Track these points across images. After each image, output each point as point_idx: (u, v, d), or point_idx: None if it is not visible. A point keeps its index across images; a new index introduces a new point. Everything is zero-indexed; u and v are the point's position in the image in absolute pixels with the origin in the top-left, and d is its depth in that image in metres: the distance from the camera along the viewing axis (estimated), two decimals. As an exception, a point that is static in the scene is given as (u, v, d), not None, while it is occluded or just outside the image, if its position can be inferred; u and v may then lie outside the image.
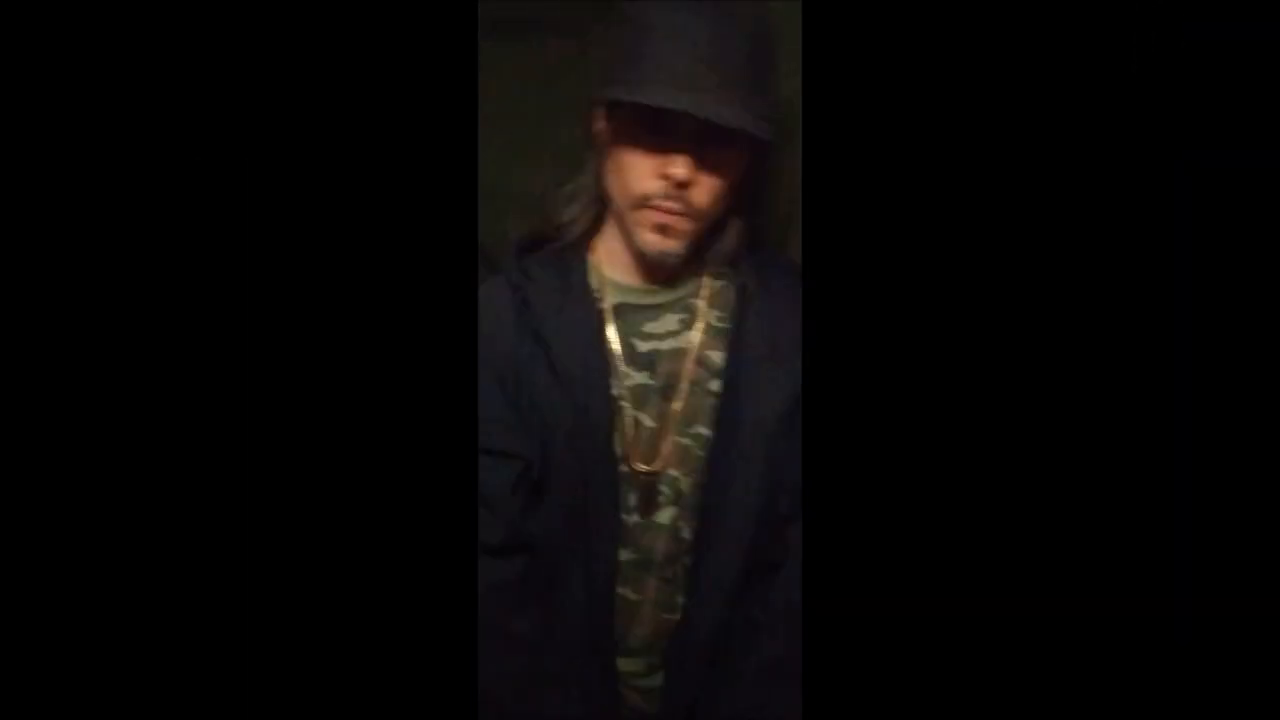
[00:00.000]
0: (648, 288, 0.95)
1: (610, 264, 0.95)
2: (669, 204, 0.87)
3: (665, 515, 0.92)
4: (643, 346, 0.93)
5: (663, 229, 0.88)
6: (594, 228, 0.96)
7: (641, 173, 0.87)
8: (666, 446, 0.92)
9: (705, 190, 0.87)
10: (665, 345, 0.93)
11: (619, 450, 0.91)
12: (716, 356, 0.93)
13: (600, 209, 0.94)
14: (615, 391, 0.92)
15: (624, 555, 0.92)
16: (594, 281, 0.95)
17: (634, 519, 0.92)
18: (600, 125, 0.91)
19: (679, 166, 0.84)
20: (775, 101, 0.89)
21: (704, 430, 0.92)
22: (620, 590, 0.92)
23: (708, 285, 0.95)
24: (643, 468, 0.91)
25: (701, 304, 0.95)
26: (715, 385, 0.93)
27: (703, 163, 0.86)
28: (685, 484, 0.92)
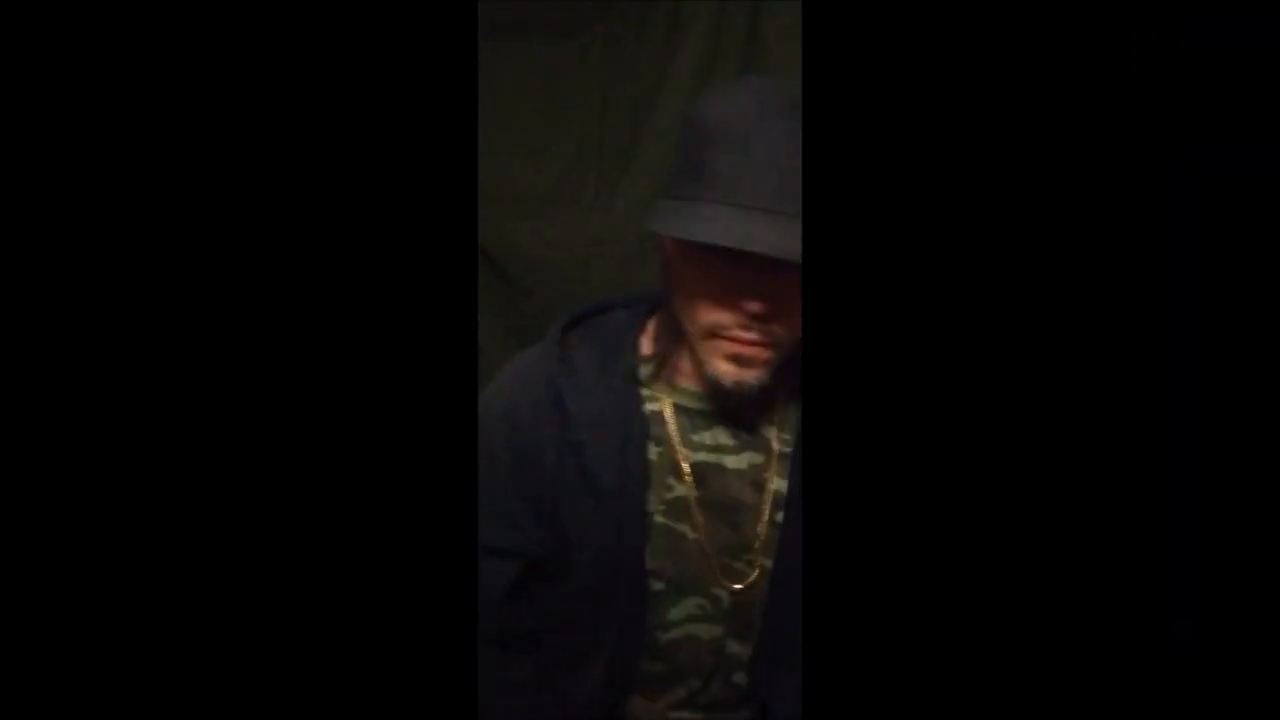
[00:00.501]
0: (710, 400, 0.86)
1: (673, 372, 0.87)
2: (746, 335, 0.78)
3: (708, 631, 0.87)
4: (692, 456, 0.85)
5: (739, 360, 0.80)
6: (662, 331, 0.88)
7: (711, 303, 0.78)
8: (724, 572, 0.86)
9: (787, 321, 0.78)
10: (714, 460, 0.86)
11: (652, 569, 0.85)
12: (776, 481, 0.86)
13: (669, 321, 0.85)
14: (651, 506, 0.85)
15: (652, 668, 0.87)
16: (645, 371, 0.87)
17: (672, 633, 0.86)
18: (667, 245, 0.82)
19: (754, 300, 0.76)
20: None
21: (766, 561, 0.86)
22: (635, 700, 0.88)
23: (779, 407, 0.87)
24: (722, 585, 0.85)
25: (760, 419, 0.87)
26: (780, 516, 0.86)
27: (781, 293, 0.76)
28: (740, 607, 0.86)
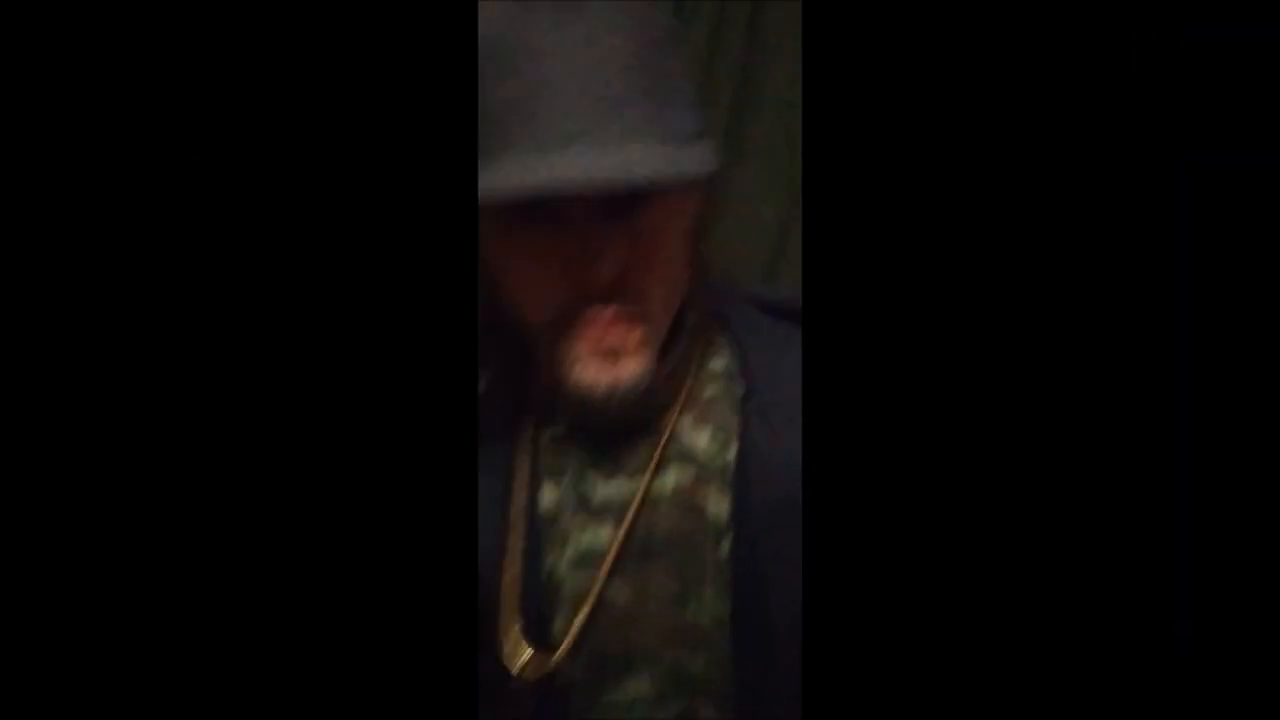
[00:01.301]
0: (588, 434, 0.66)
1: (557, 403, 0.67)
2: (605, 315, 0.60)
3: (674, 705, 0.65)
4: (600, 493, 0.66)
5: (607, 353, 0.61)
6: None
7: (550, 286, 0.60)
8: (673, 625, 0.64)
9: (655, 273, 0.61)
10: (631, 488, 0.65)
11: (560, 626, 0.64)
12: (718, 507, 0.65)
13: (523, 357, 0.65)
14: (549, 564, 0.65)
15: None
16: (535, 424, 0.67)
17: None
18: (484, 242, 0.62)
19: (602, 263, 0.58)
20: (698, 117, 0.64)
21: (723, 607, 0.65)
22: None
23: (697, 389, 0.66)
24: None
25: (686, 423, 0.65)
26: (725, 546, 0.65)
27: (636, 243, 0.59)
28: (702, 666, 0.65)
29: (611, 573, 0.63)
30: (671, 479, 0.65)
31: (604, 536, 0.64)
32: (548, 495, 0.65)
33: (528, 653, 0.62)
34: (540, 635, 0.64)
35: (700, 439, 0.65)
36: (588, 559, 0.64)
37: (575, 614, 0.62)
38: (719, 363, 0.68)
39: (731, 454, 0.65)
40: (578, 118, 0.57)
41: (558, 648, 0.63)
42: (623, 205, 0.59)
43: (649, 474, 0.64)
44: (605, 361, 0.60)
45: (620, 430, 0.65)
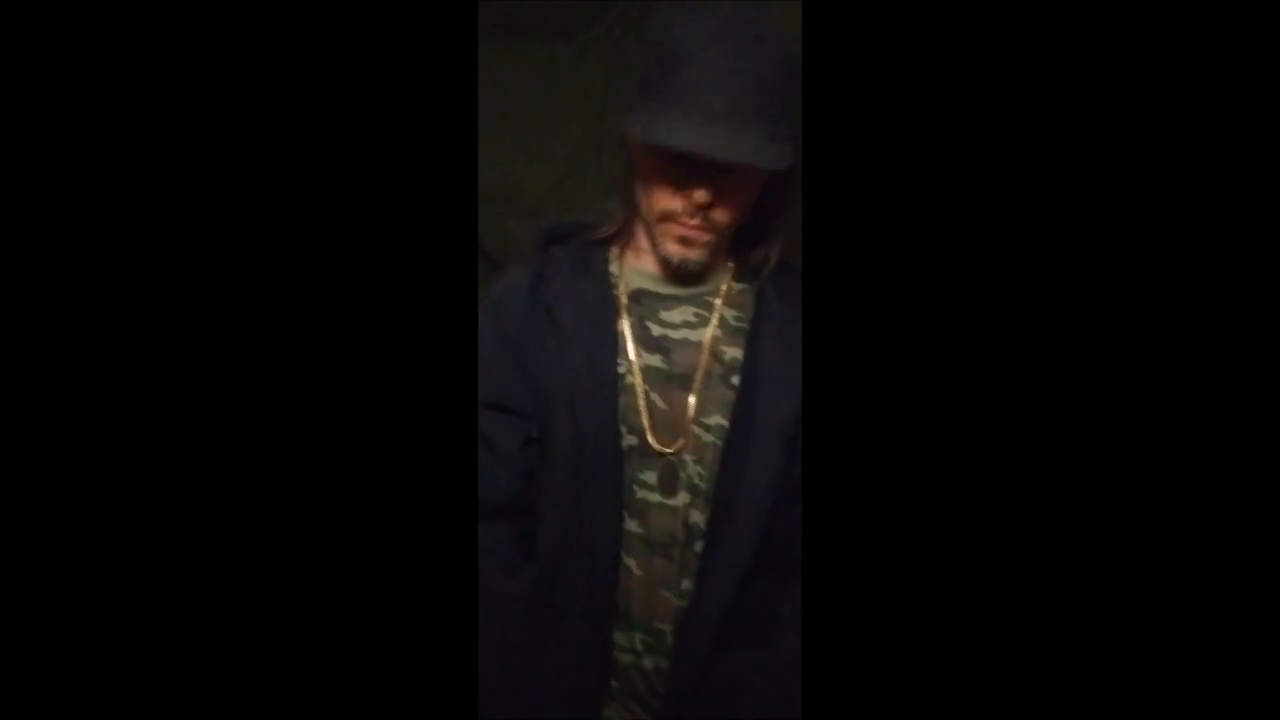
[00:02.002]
0: (667, 282, 1.00)
1: (635, 258, 1.00)
2: (691, 221, 0.92)
3: (679, 499, 0.95)
4: (656, 331, 0.97)
5: (685, 241, 0.94)
6: (624, 229, 1.01)
7: (666, 193, 0.92)
8: (684, 433, 0.95)
9: (726, 210, 0.93)
10: (678, 334, 0.98)
11: (625, 426, 0.95)
12: (732, 352, 0.97)
13: (631, 214, 0.99)
14: (623, 369, 0.95)
15: (632, 528, 0.95)
16: (614, 269, 1.00)
17: (650, 495, 0.95)
18: (631, 146, 0.96)
19: (699, 193, 0.90)
20: (796, 125, 0.91)
21: (722, 421, 0.95)
22: (626, 561, 0.95)
23: (727, 285, 1.00)
24: (662, 448, 0.95)
25: (718, 302, 0.99)
26: (735, 379, 0.96)
27: (723, 187, 0.91)
28: (699, 472, 0.95)
29: (656, 388, 0.97)
30: (702, 333, 0.98)
31: (656, 360, 0.97)
32: (623, 324, 0.98)
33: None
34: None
35: (730, 312, 0.99)
36: (647, 374, 0.97)
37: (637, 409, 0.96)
38: (751, 281, 1.02)
39: (746, 325, 0.99)
40: (719, 107, 0.86)
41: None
42: (723, 167, 0.89)
43: (688, 328, 0.99)
44: (682, 246, 0.95)
45: (675, 298, 1.00)
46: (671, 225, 0.93)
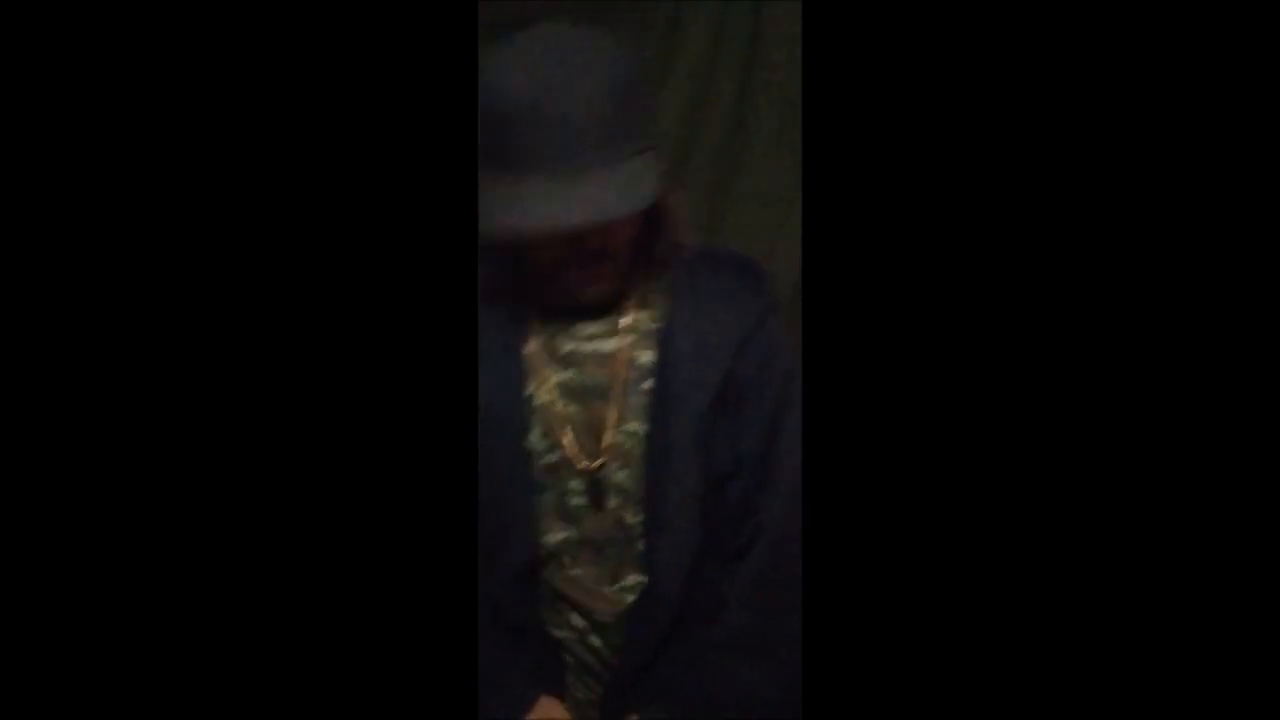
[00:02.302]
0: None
1: (543, 292, 0.97)
2: (590, 265, 0.89)
3: (611, 504, 0.96)
4: (567, 346, 0.96)
5: (590, 279, 0.91)
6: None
7: (552, 248, 0.87)
8: (606, 443, 0.95)
9: (621, 235, 0.89)
10: (589, 347, 0.96)
11: (545, 444, 0.95)
12: (647, 357, 0.96)
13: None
14: (531, 390, 0.95)
15: (570, 534, 0.96)
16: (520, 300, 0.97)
17: (581, 503, 0.96)
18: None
19: (591, 238, 0.86)
20: (652, 134, 0.88)
21: (639, 428, 0.95)
22: (564, 560, 0.96)
23: (637, 290, 0.98)
24: (586, 464, 0.95)
25: (629, 304, 0.97)
26: (648, 384, 0.96)
27: (606, 226, 0.86)
28: (625, 477, 0.95)
29: (573, 402, 0.96)
30: (613, 343, 0.96)
31: (568, 375, 0.96)
32: (530, 345, 0.96)
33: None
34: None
35: (642, 315, 0.97)
36: (560, 390, 0.96)
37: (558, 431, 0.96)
38: (660, 281, 0.99)
39: (658, 324, 0.97)
40: (577, 154, 0.82)
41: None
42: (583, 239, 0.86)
43: (599, 340, 0.97)
44: (592, 285, 0.91)
45: (586, 315, 0.97)
46: (571, 272, 0.89)
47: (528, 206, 0.82)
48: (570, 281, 0.91)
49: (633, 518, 0.95)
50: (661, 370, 0.95)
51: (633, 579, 0.96)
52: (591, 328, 0.97)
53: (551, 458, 0.95)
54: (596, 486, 0.95)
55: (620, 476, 0.95)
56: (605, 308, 0.96)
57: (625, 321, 0.97)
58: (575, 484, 0.95)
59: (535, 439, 0.95)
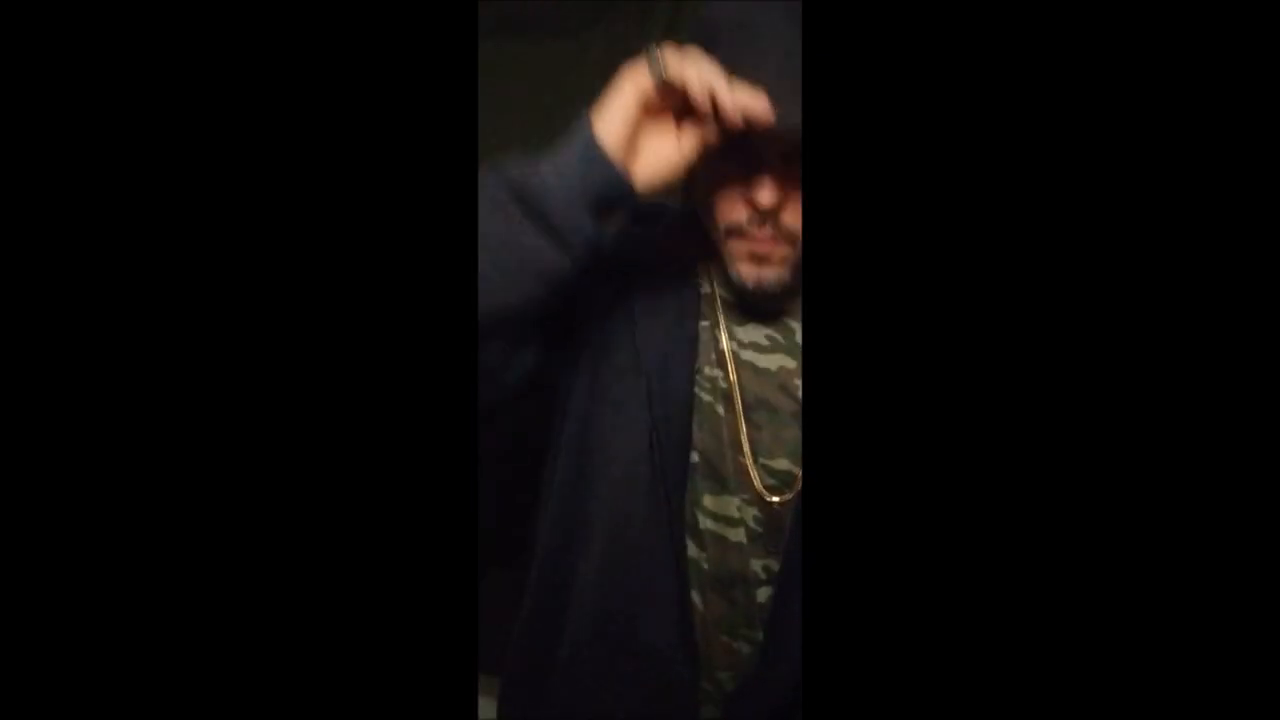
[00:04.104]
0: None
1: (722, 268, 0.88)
2: (760, 232, 0.81)
3: (737, 535, 0.86)
4: (725, 345, 0.88)
5: (756, 258, 0.82)
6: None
7: (727, 199, 0.81)
8: (740, 469, 0.86)
9: (797, 212, 0.80)
10: (746, 355, 0.88)
11: (699, 443, 0.85)
12: (799, 390, 0.85)
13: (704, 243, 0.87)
14: (696, 386, 0.86)
15: (694, 554, 0.87)
16: (701, 270, 0.89)
17: (710, 524, 0.86)
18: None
19: (765, 193, 0.78)
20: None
21: (791, 468, 0.86)
22: (691, 596, 0.86)
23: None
24: (767, 496, 0.84)
25: (798, 326, 0.87)
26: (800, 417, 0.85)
27: (791, 182, 0.79)
28: (754, 515, 0.86)
29: (723, 401, 0.86)
30: (775, 360, 0.87)
31: (721, 379, 0.87)
32: (701, 325, 0.88)
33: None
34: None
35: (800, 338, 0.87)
36: (708, 387, 0.87)
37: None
38: None
39: None
40: (776, 75, 0.75)
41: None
42: (786, 156, 0.79)
43: (753, 351, 0.88)
44: (754, 264, 0.83)
45: (756, 317, 0.88)
46: (739, 241, 0.82)
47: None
48: (735, 254, 0.82)
49: (758, 563, 0.85)
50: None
51: (753, 633, 0.85)
52: (749, 332, 0.87)
53: (696, 458, 0.85)
54: (773, 522, 0.84)
55: (748, 512, 0.85)
56: (773, 309, 0.86)
57: (792, 337, 0.86)
58: (715, 502, 0.85)
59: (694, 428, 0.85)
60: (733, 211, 0.81)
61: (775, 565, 0.85)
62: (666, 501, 0.85)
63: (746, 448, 0.86)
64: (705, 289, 0.89)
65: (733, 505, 0.86)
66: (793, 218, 0.80)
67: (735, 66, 0.75)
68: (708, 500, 0.86)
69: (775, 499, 0.85)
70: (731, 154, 0.79)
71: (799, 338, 0.87)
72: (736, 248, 0.82)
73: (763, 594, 0.85)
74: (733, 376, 0.86)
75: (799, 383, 0.86)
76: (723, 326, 0.87)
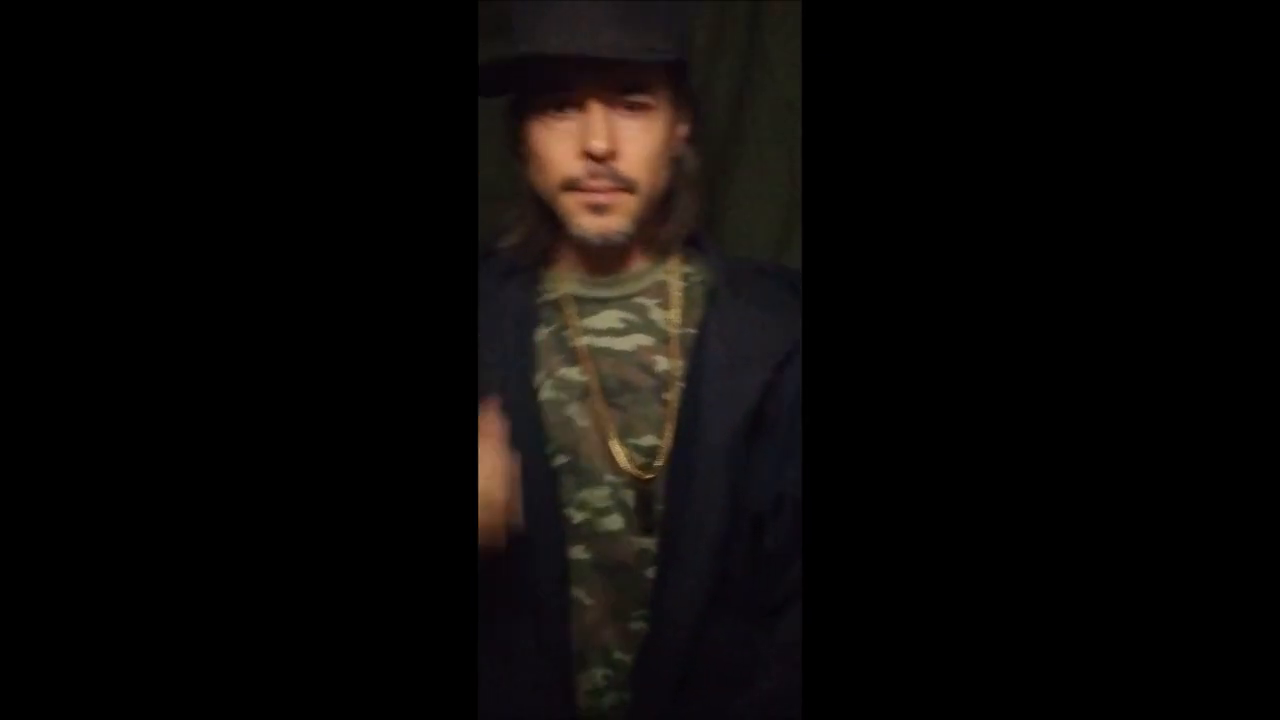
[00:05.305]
0: (598, 280, 0.89)
1: (566, 262, 0.90)
2: (597, 182, 0.81)
3: (614, 522, 0.87)
4: (578, 341, 0.88)
5: (596, 208, 0.82)
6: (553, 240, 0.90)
7: (559, 155, 0.82)
8: (612, 453, 0.86)
9: (633, 159, 0.82)
10: (602, 343, 0.89)
11: (548, 447, 0.86)
12: (663, 363, 0.88)
13: (546, 215, 0.87)
14: (537, 384, 0.87)
15: (576, 554, 0.87)
16: (545, 279, 0.91)
17: (590, 519, 0.86)
18: (509, 114, 0.86)
19: (595, 137, 0.80)
20: (682, 37, 0.84)
21: (654, 441, 0.87)
22: (575, 592, 0.86)
23: (670, 285, 0.90)
24: (638, 475, 0.85)
25: (652, 304, 0.90)
26: (667, 395, 0.87)
27: (621, 129, 0.81)
28: (629, 495, 0.87)
29: (572, 401, 0.87)
30: (634, 341, 0.88)
31: (575, 374, 0.87)
32: (541, 333, 0.88)
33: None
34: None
35: (662, 315, 0.88)
36: (562, 387, 0.87)
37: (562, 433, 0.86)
38: (693, 270, 0.91)
39: (691, 328, 0.88)
40: (588, 12, 0.77)
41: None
42: (613, 96, 0.80)
43: (614, 337, 0.88)
44: (595, 214, 0.82)
45: (601, 300, 0.89)
46: (574, 194, 0.82)
47: (544, 39, 0.77)
48: (574, 208, 0.82)
49: (643, 542, 0.86)
50: (690, 381, 0.86)
51: (642, 611, 0.85)
52: (604, 319, 0.88)
53: (561, 459, 0.86)
54: (643, 503, 0.85)
55: (624, 494, 0.86)
56: (618, 295, 0.88)
57: (647, 316, 0.89)
58: (586, 493, 0.86)
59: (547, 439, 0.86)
60: (566, 165, 0.81)
61: (652, 543, 0.86)
62: (539, 512, 0.84)
63: (613, 431, 0.86)
64: (550, 295, 0.90)
65: (604, 495, 0.87)
66: (627, 165, 0.81)
67: (542, 10, 0.76)
68: (582, 495, 0.86)
69: (648, 476, 0.86)
70: (550, 104, 0.80)
71: (653, 314, 0.89)
72: (573, 201, 0.82)
73: (649, 572, 0.86)
74: (589, 370, 0.87)
75: (659, 358, 0.88)
76: (572, 326, 0.88)
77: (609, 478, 0.87)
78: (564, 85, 0.80)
